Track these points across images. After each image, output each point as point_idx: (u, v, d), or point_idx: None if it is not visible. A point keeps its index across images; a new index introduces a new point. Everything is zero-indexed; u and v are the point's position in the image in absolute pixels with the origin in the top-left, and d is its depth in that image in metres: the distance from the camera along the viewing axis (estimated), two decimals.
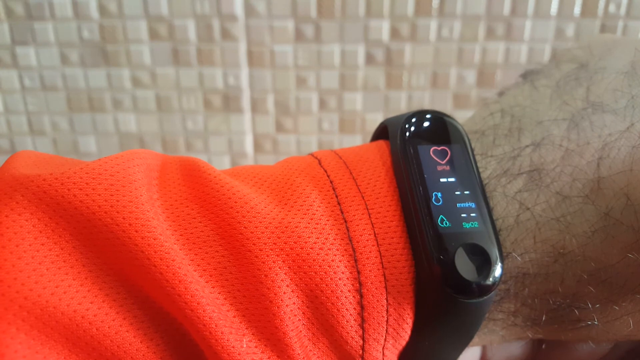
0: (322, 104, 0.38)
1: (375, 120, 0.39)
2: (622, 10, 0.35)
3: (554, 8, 0.35)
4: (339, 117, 0.39)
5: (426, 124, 0.14)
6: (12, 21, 0.36)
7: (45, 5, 0.36)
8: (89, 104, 0.38)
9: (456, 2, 0.35)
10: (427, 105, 0.38)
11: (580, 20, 0.36)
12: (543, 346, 0.18)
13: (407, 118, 0.14)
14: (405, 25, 0.36)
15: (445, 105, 0.38)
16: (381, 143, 0.15)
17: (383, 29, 0.36)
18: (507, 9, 0.35)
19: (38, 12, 0.36)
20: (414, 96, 0.38)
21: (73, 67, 0.37)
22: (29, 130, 0.39)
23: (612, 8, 0.35)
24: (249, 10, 0.36)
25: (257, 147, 0.40)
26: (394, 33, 0.36)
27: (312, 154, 0.15)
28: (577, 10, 0.35)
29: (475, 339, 0.15)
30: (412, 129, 0.14)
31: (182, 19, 0.36)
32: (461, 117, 0.40)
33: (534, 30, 0.36)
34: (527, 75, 0.17)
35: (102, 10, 0.36)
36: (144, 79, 0.38)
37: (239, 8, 0.36)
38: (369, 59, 0.37)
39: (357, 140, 0.39)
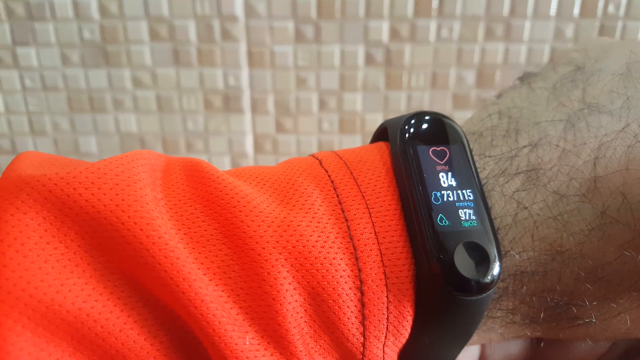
0: (322, 104, 0.38)
1: (374, 120, 0.39)
2: (622, 10, 0.35)
3: (553, 9, 0.35)
4: (339, 118, 0.39)
5: (425, 125, 0.14)
6: (13, 21, 0.36)
7: (46, 6, 0.36)
8: (89, 104, 0.39)
9: (455, 3, 0.35)
10: (426, 106, 0.38)
11: (579, 20, 0.36)
12: (541, 345, 0.18)
13: (407, 119, 0.14)
14: (405, 25, 0.36)
15: (444, 106, 0.38)
16: (381, 144, 0.15)
17: (383, 29, 0.36)
18: (506, 9, 0.36)
19: (39, 13, 0.36)
20: (414, 96, 0.38)
21: (74, 68, 0.37)
22: (30, 131, 0.40)
23: (611, 8, 0.35)
24: (249, 10, 0.36)
25: (257, 147, 0.40)
26: (394, 33, 0.36)
27: (313, 155, 0.15)
28: (576, 10, 0.36)
29: (475, 337, 0.15)
30: (412, 130, 0.14)
31: (183, 19, 0.36)
32: (460, 117, 0.40)
33: (533, 31, 0.36)
34: (525, 78, 0.17)
35: (103, 10, 0.36)
36: (145, 79, 0.38)
37: (239, 8, 0.36)
38: (369, 60, 0.37)
39: (356, 140, 0.39)
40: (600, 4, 0.35)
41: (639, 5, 0.35)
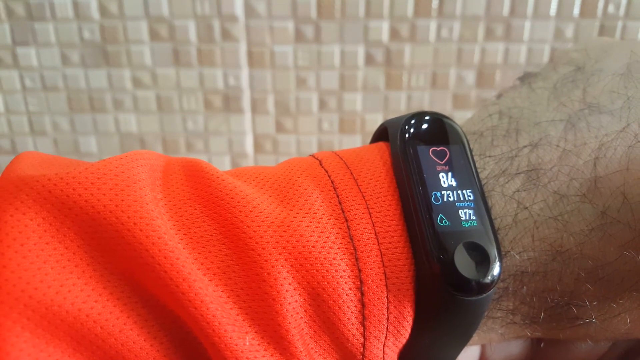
0: (322, 104, 0.38)
1: (374, 120, 0.39)
2: (622, 10, 0.35)
3: (553, 8, 0.35)
4: (339, 118, 0.39)
5: (425, 125, 0.14)
6: (13, 21, 0.36)
7: (46, 6, 0.36)
8: (89, 104, 0.39)
9: (455, 3, 0.35)
10: (426, 106, 0.38)
11: (579, 20, 0.36)
12: (541, 345, 0.18)
13: (407, 119, 0.14)
14: (405, 25, 0.36)
15: (444, 106, 0.38)
16: (381, 144, 0.15)
17: (383, 29, 0.36)
18: (506, 9, 0.36)
19: (39, 13, 0.36)
20: (414, 96, 0.38)
21: (74, 68, 0.37)
22: (30, 131, 0.40)
23: (611, 8, 0.35)
24: (249, 10, 0.36)
25: (258, 147, 0.40)
26: (394, 33, 0.36)
27: (313, 155, 0.15)
28: (576, 10, 0.35)
29: (475, 337, 0.15)
30: (412, 130, 0.14)
31: (183, 19, 0.36)
32: (461, 117, 0.40)
33: (533, 31, 0.36)
34: (525, 78, 0.17)
35: (103, 10, 0.36)
36: (145, 79, 0.38)
37: (239, 8, 0.36)
38: (369, 60, 0.37)
39: (356, 140, 0.39)
40: (600, 4, 0.35)
41: (639, 5, 0.35)
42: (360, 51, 0.37)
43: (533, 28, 0.36)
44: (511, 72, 0.37)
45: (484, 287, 0.12)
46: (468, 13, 0.36)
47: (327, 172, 0.14)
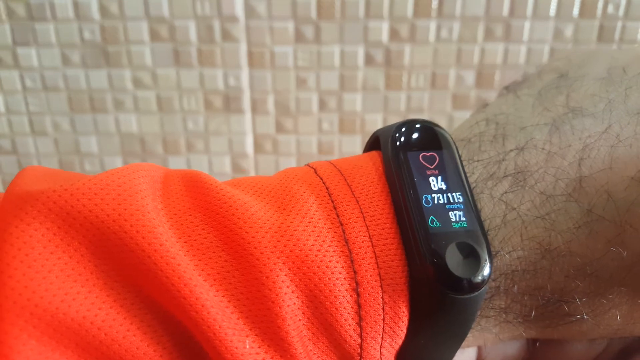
0: (322, 105, 0.38)
1: (374, 120, 0.39)
2: (621, 11, 0.36)
3: (552, 9, 0.36)
4: (339, 118, 0.39)
5: (415, 132, 0.15)
6: (14, 22, 0.36)
7: (47, 6, 0.36)
8: (90, 104, 0.39)
9: (455, 3, 0.35)
10: (426, 106, 0.39)
11: (578, 20, 0.36)
12: (537, 345, 0.18)
13: (398, 127, 0.15)
14: (405, 26, 0.36)
15: (444, 106, 0.38)
16: (373, 152, 0.16)
17: (382, 29, 0.36)
18: (506, 9, 0.36)
19: (39, 13, 0.36)
20: (413, 97, 0.38)
21: (74, 68, 0.38)
22: (31, 131, 0.40)
23: (610, 9, 0.35)
24: (250, 11, 0.36)
25: (258, 147, 0.40)
26: (394, 34, 0.36)
27: (308, 165, 0.16)
28: (575, 11, 0.36)
29: (470, 337, 0.15)
30: (402, 137, 0.15)
31: (183, 19, 0.36)
32: (460, 117, 0.40)
33: (533, 31, 0.36)
34: (511, 87, 0.18)
35: (103, 11, 0.36)
36: (145, 79, 0.38)
37: (239, 9, 0.36)
38: (369, 60, 0.37)
39: (356, 140, 0.40)
40: (600, 4, 0.35)
41: (639, 6, 0.35)
42: (360, 51, 0.37)
43: (533, 28, 0.36)
44: (511, 73, 0.37)
45: (475, 286, 0.13)
46: (468, 13, 0.36)
47: (322, 179, 0.14)
